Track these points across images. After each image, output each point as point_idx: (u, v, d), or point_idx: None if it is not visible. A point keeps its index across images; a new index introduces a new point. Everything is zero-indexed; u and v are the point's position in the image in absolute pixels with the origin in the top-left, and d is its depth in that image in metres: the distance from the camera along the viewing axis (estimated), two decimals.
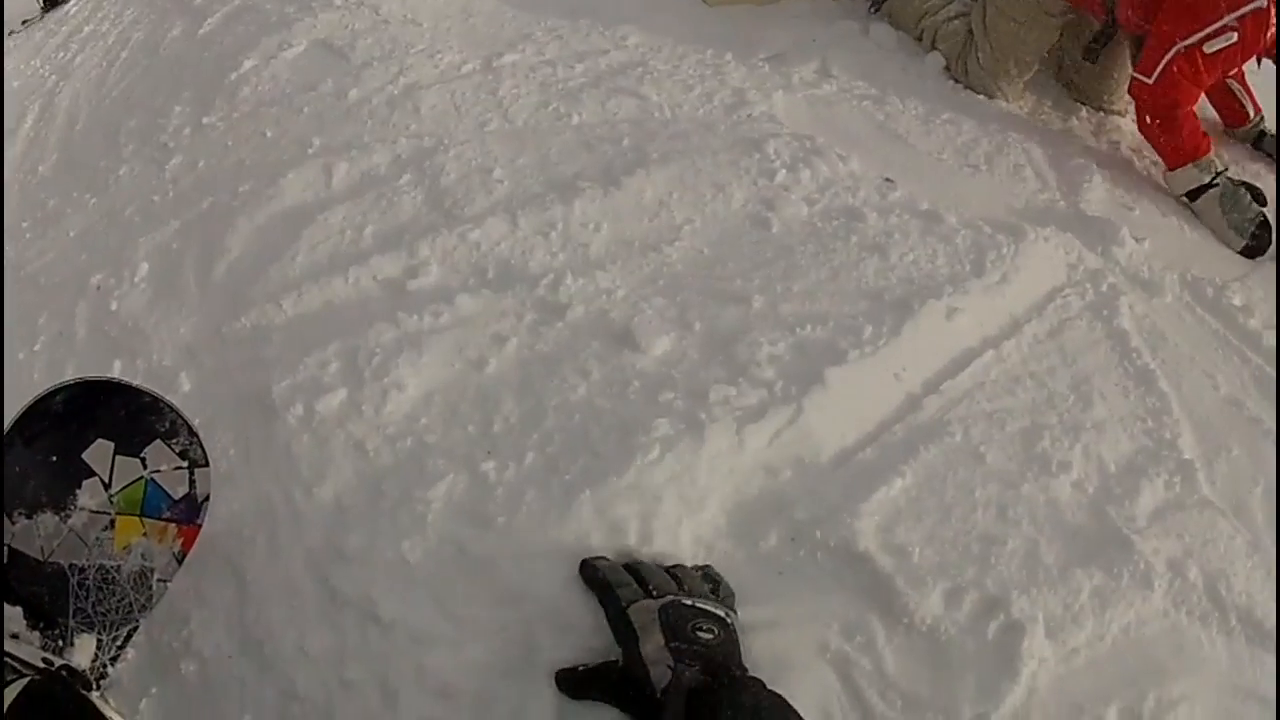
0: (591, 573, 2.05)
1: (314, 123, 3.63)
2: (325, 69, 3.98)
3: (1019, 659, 2.07)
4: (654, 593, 1.93)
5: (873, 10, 4.89)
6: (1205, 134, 4.00)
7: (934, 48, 4.63)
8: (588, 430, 2.35)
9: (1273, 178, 4.25)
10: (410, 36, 4.17)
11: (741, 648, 1.91)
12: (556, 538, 2.15)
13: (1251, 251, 3.78)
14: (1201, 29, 3.85)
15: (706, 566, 2.11)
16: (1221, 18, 3.81)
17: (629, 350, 2.58)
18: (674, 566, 2.09)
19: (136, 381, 2.31)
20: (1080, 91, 4.57)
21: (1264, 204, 3.95)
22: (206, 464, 2.23)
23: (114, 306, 2.99)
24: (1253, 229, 3.80)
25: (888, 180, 3.46)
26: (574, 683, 1.95)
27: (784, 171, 3.37)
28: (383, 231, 3.02)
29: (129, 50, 4.70)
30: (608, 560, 2.08)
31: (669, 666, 1.79)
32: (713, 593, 2.01)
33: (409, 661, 2.02)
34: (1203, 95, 4.08)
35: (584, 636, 2.02)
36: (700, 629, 1.84)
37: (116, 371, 2.71)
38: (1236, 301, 3.35)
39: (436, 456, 2.32)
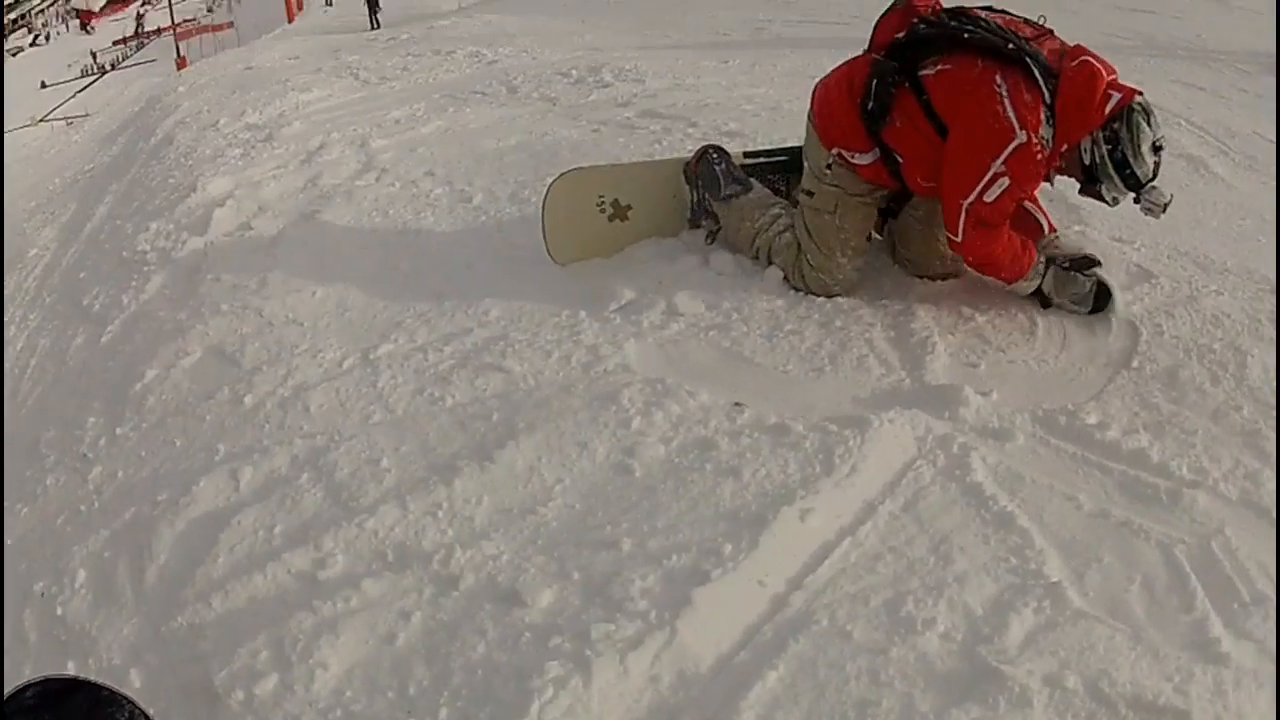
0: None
1: (216, 430, 4.02)
2: (220, 376, 4.37)
3: None
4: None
5: (709, 241, 5.08)
6: (1026, 246, 4.31)
7: (770, 263, 4.77)
8: (490, 682, 2.71)
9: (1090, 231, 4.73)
10: (294, 337, 4.56)
11: None
12: None
13: (1099, 310, 4.25)
14: (975, 185, 4.13)
15: None
16: (988, 169, 4.10)
17: (517, 607, 2.92)
18: None
19: (94, 678, 2.65)
20: (914, 265, 4.73)
21: (1096, 264, 4.33)
22: None
23: (59, 612, 3.33)
24: (1091, 297, 4.25)
25: (737, 405, 3.76)
26: None
27: (639, 418, 3.71)
28: (290, 529, 3.38)
29: (37, 358, 5.06)
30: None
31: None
32: None
33: None
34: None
35: None
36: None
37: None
38: (1091, 420, 3.59)
39: None
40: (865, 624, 2.82)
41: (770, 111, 7.31)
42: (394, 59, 13.14)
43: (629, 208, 5.18)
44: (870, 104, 4.45)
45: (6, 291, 6.53)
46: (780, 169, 5.20)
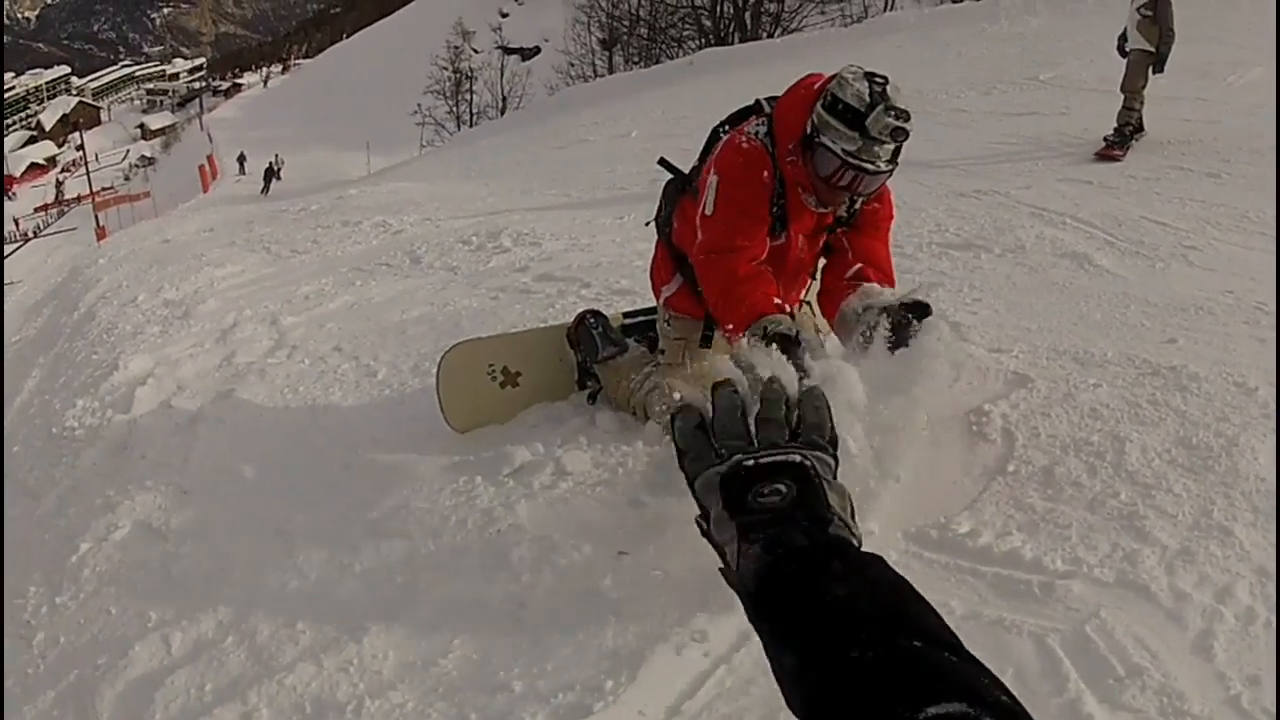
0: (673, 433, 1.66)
1: (147, 598, 4.31)
2: (149, 548, 4.67)
3: None
4: (720, 454, 1.50)
5: (592, 402, 5.28)
6: (757, 294, 4.23)
7: (648, 418, 4.86)
8: None
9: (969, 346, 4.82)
10: (215, 512, 4.90)
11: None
12: None
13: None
14: (700, 206, 4.34)
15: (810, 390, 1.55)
16: (707, 182, 4.31)
17: None
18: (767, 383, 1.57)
19: None
20: None
21: (926, 311, 4.16)
22: None
23: None
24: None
25: (620, 554, 3.97)
26: None
27: (528, 574, 3.96)
28: (219, 687, 3.67)
29: None
30: (689, 407, 1.61)
31: (733, 549, 1.43)
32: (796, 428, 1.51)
33: None
34: None
35: None
36: (763, 494, 1.39)
37: None
38: (963, 529, 3.71)
39: None
40: None
41: None
42: (304, 231, 13.34)
43: (519, 374, 5.41)
44: (660, 216, 4.72)
45: None
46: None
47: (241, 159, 57.14)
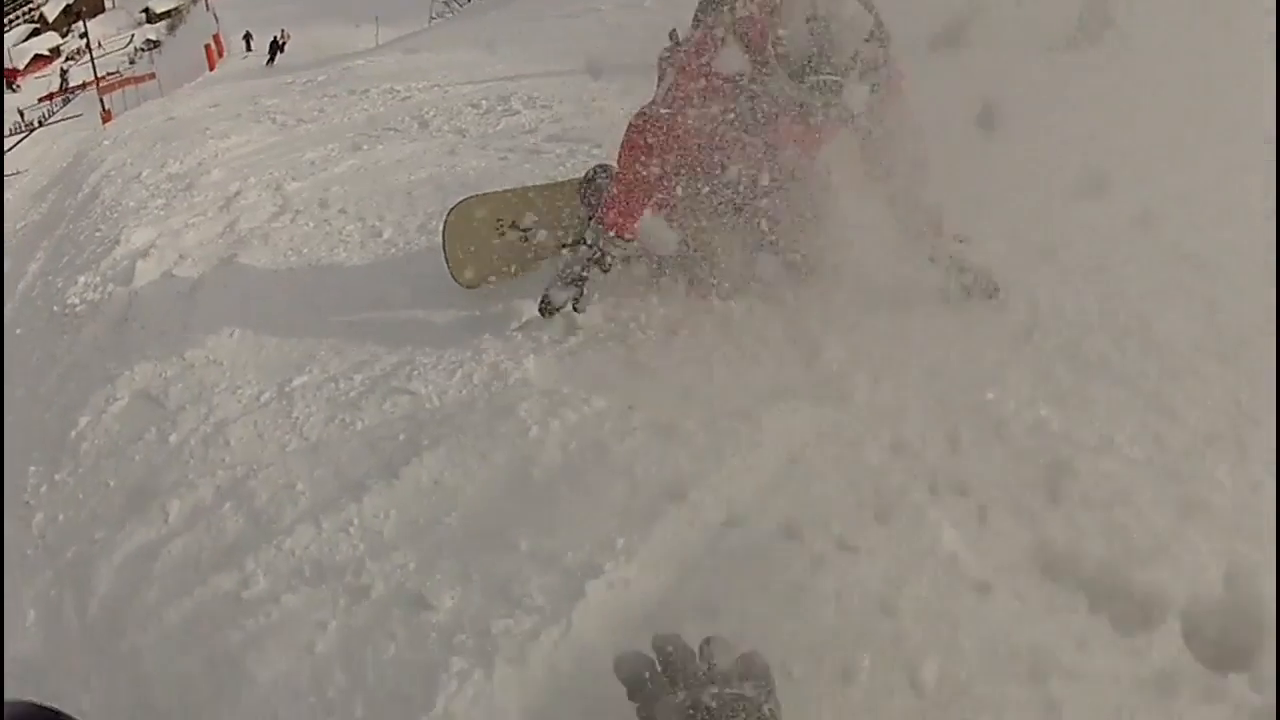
0: (621, 671, 2.02)
1: (145, 469, 4.15)
2: (147, 418, 4.49)
3: None
4: (681, 687, 1.81)
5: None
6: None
7: (664, 273, 4.78)
8: (399, 680, 2.86)
9: None
10: (214, 377, 4.69)
11: None
12: None
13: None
14: None
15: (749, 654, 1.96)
16: None
17: (424, 610, 3.07)
18: (706, 642, 2.02)
19: (43, 701, 2.82)
20: None
21: None
22: None
23: (13, 653, 3.47)
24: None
25: (630, 408, 3.86)
26: None
27: (536, 428, 3.82)
28: (215, 555, 3.52)
29: None
30: (636, 653, 2.02)
31: None
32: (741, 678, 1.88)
33: None
34: None
35: None
36: None
37: None
38: (988, 396, 3.71)
39: None
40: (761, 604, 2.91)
41: None
42: (310, 101, 13.18)
43: (528, 229, 5.27)
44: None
45: None
46: None
47: (248, 37, 56.30)
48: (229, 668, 3.05)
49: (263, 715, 2.90)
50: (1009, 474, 3.37)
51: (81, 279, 6.76)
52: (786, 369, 4.08)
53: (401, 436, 3.96)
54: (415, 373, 4.41)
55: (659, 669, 1.96)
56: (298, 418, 4.24)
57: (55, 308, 6.49)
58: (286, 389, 4.48)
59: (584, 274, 4.47)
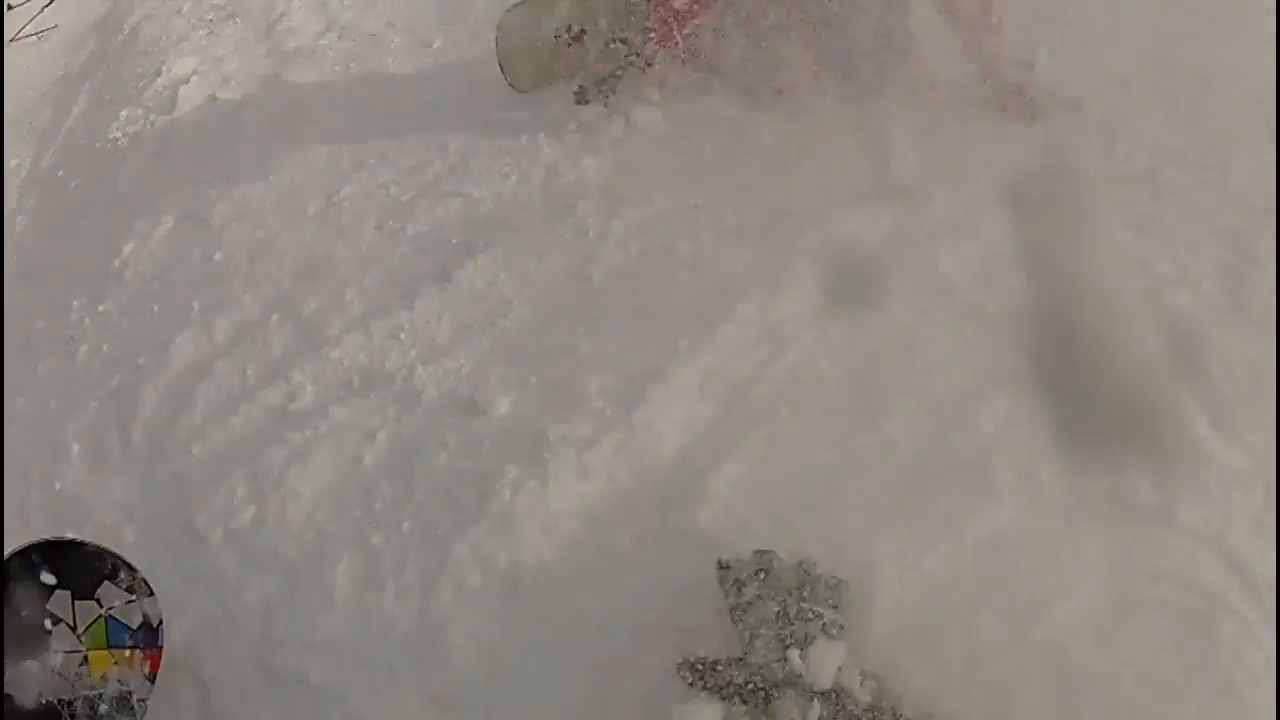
0: (726, 580, 2.29)
1: (190, 289, 3.93)
2: (192, 239, 4.25)
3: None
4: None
5: None
6: None
7: None
8: (451, 490, 2.69)
9: None
10: (259, 192, 4.42)
11: None
12: (437, 584, 2.51)
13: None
14: None
15: None
16: None
17: (477, 416, 2.89)
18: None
19: (71, 535, 2.67)
20: None
21: None
22: (151, 593, 2.59)
23: (57, 487, 3.32)
24: None
25: (695, 208, 3.65)
26: None
27: (595, 228, 3.61)
28: (261, 369, 3.34)
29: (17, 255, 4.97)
30: (740, 560, 2.28)
31: None
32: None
33: (337, 713, 2.37)
34: None
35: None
36: None
37: None
38: None
39: (333, 543, 2.69)
40: (826, 414, 2.79)
41: None
42: None
43: (583, 31, 4.88)
44: None
45: None
46: None
47: None
48: (273, 485, 2.90)
49: (306, 531, 2.74)
50: None
51: (123, 114, 6.47)
52: (857, 175, 3.80)
53: (454, 240, 3.74)
54: (468, 176, 4.18)
55: (761, 577, 2.19)
56: (346, 225, 4.02)
57: (97, 144, 6.25)
58: (335, 199, 4.24)
59: (618, 72, 4.34)
